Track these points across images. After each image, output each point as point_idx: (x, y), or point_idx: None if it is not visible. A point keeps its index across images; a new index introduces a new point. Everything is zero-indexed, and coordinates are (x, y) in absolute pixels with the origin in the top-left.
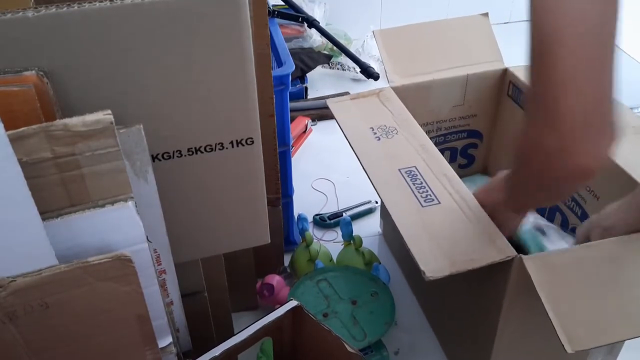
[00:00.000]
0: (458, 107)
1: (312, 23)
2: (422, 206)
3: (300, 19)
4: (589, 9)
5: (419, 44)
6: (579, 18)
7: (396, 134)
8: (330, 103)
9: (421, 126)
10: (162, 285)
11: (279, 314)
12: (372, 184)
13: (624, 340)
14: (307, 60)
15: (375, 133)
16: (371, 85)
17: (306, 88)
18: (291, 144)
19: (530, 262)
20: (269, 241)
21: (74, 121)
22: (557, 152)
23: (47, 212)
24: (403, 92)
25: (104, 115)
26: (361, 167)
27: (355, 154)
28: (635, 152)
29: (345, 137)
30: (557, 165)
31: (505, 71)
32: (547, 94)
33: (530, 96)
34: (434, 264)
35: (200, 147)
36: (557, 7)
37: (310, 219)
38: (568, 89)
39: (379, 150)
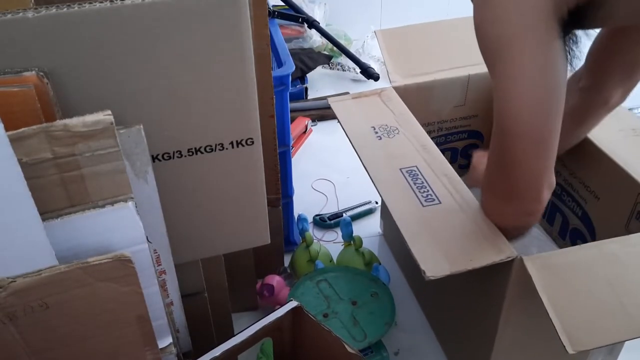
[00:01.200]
0: (459, 107)
1: (312, 23)
2: (423, 206)
3: (300, 20)
4: (540, 113)
5: (421, 44)
6: (532, 117)
7: (397, 133)
8: (331, 102)
9: (422, 126)
10: (162, 286)
11: (279, 315)
12: (373, 183)
13: (625, 341)
14: (307, 60)
15: (376, 132)
16: (371, 85)
17: (306, 88)
18: (291, 144)
19: (530, 263)
20: (269, 241)
21: (74, 121)
22: (512, 200)
23: (47, 212)
24: (404, 92)
25: (104, 116)
26: (361, 167)
27: (357, 153)
28: (635, 153)
29: (347, 136)
30: (512, 209)
31: None
32: (504, 163)
33: (493, 152)
34: (434, 264)
35: (200, 147)
36: (516, 115)
37: (310, 219)
38: (516, 164)
39: (380, 150)
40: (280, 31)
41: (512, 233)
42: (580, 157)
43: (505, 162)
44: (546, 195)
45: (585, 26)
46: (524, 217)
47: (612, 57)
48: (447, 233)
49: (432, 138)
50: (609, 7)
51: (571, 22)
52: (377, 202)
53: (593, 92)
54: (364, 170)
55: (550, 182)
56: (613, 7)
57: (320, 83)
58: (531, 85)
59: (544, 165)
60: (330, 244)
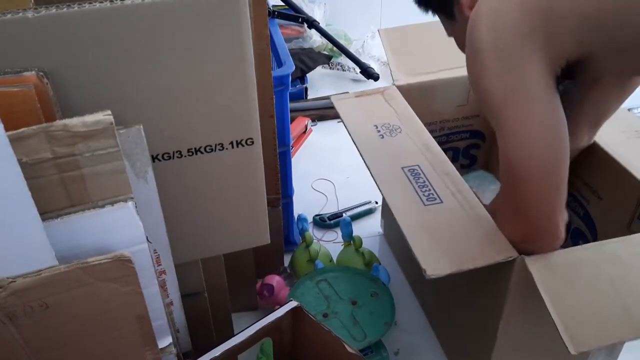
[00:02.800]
0: (462, 107)
1: (312, 23)
2: (425, 205)
3: (300, 20)
4: (545, 153)
5: (424, 43)
6: (543, 161)
7: (400, 132)
8: (334, 100)
9: (424, 125)
10: (162, 286)
11: (279, 315)
12: (375, 182)
13: (626, 341)
14: (307, 60)
15: (379, 131)
16: (371, 85)
17: (306, 88)
18: (291, 144)
19: (532, 262)
20: (269, 241)
21: (74, 121)
22: (526, 231)
23: (47, 212)
24: (407, 91)
25: (104, 116)
26: (362, 167)
27: (359, 151)
28: (638, 153)
29: (349, 134)
30: (527, 237)
31: None
32: (520, 209)
33: (506, 199)
34: (435, 263)
35: (200, 147)
36: (525, 154)
37: (310, 219)
38: (533, 208)
39: (383, 148)
40: (280, 31)
41: None
42: (583, 158)
43: (520, 208)
44: (563, 231)
45: (575, 77)
46: (538, 244)
47: (583, 108)
48: (448, 232)
49: (433, 137)
50: (595, 66)
51: (563, 76)
52: (377, 202)
53: None
54: (365, 169)
55: (564, 217)
56: (598, 66)
57: (320, 83)
58: (539, 133)
59: (559, 203)
60: (330, 244)
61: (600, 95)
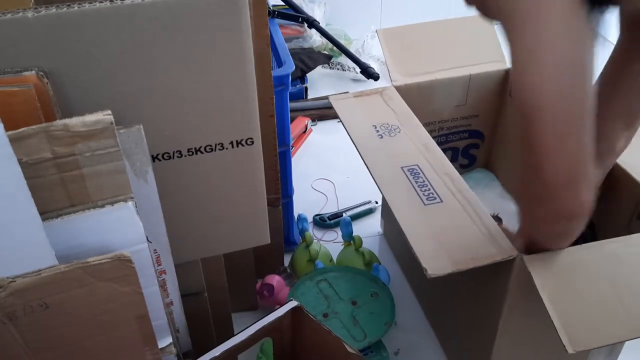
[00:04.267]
0: (460, 107)
1: (312, 23)
2: (425, 204)
3: (300, 19)
4: (564, 81)
5: (422, 43)
6: (554, 84)
7: (399, 132)
8: (333, 100)
9: (423, 126)
10: (162, 286)
11: (279, 315)
12: (375, 182)
13: (625, 341)
14: (307, 60)
15: (378, 131)
16: (371, 85)
17: (306, 88)
18: (291, 144)
19: (531, 262)
20: (269, 241)
21: (74, 121)
22: (545, 200)
23: (47, 212)
24: (405, 92)
25: (104, 116)
26: (361, 167)
27: (358, 151)
28: (637, 153)
29: (348, 134)
30: (547, 211)
31: (507, 71)
32: (531, 155)
33: (522, 155)
34: (435, 262)
35: (200, 147)
36: (536, 85)
37: (310, 219)
38: (543, 148)
39: (382, 148)
40: (280, 31)
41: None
42: None
43: (531, 153)
44: (585, 193)
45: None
46: (562, 223)
47: (614, 97)
48: (448, 231)
49: (432, 138)
50: None
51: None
52: (377, 202)
53: (597, 142)
54: (365, 169)
55: (588, 176)
56: None
57: (320, 83)
58: (553, 47)
59: (577, 147)
60: (330, 243)
61: (633, 79)
